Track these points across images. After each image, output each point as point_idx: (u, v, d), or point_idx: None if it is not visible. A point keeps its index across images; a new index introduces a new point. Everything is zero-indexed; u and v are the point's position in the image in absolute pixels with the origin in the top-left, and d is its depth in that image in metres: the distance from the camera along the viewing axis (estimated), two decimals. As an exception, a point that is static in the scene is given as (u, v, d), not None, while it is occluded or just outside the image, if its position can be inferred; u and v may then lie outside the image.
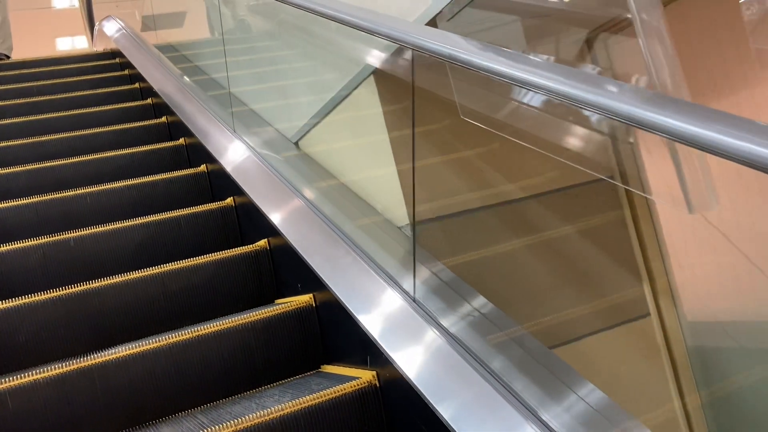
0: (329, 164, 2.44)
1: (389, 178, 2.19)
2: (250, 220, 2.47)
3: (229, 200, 2.63)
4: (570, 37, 2.23)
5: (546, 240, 2.20)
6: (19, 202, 2.69)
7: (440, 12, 1.85)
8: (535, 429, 1.26)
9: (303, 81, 2.76)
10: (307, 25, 2.48)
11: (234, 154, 2.72)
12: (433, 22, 1.87)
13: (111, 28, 5.57)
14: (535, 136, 1.53)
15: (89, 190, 2.79)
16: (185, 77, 3.72)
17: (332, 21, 1.84)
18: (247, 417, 1.56)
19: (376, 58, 2.03)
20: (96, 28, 6.17)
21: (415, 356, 1.55)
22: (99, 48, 5.93)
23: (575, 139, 1.36)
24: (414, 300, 1.66)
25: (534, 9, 2.16)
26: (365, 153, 2.48)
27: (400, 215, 2.05)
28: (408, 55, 1.59)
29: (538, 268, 2.19)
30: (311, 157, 2.55)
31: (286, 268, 2.16)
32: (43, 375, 1.70)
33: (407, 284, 1.69)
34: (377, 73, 2.14)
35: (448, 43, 1.39)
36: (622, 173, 1.75)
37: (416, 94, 1.61)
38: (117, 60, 5.14)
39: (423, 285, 1.68)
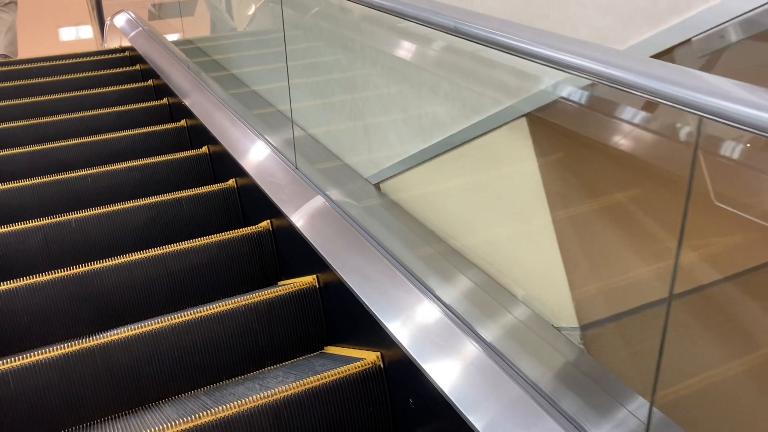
0: (431, 220, 1.87)
1: (541, 256, 1.57)
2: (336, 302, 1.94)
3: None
4: None
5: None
6: (21, 183, 2.67)
7: (686, 41, 1.15)
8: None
9: (398, 112, 1.96)
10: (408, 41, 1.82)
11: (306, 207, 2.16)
12: (663, 55, 1.20)
13: (122, 22, 5.01)
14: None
15: (91, 171, 2.78)
16: (244, 106, 3.01)
17: (516, 54, 1.17)
18: (251, 398, 1.55)
19: (536, 97, 1.39)
20: (107, 23, 5.70)
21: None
22: (111, 46, 5.35)
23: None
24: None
25: None
26: (496, 216, 1.70)
27: (554, 309, 1.52)
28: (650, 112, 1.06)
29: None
30: (402, 206, 1.98)
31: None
32: (45, 355, 1.69)
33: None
34: (533, 120, 1.45)
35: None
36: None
37: (613, 161, 1.17)
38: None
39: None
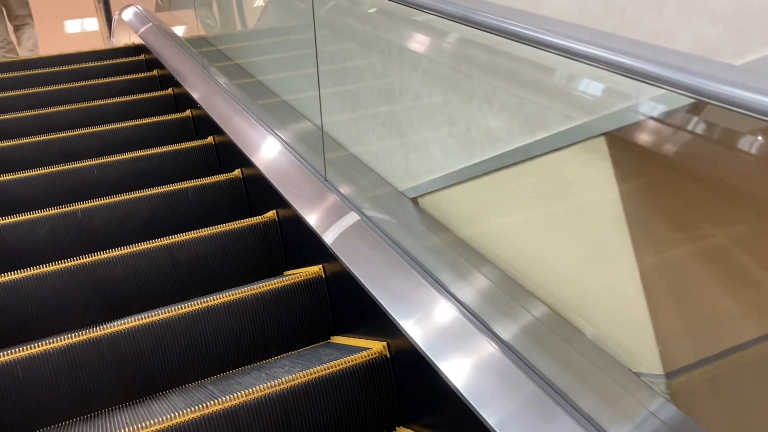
0: (481, 243, 1.68)
1: (618, 291, 1.37)
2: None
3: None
4: None
5: None
6: (27, 174, 2.67)
7: None
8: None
9: (441, 122, 1.73)
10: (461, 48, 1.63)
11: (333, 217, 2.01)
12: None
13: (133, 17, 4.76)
14: None
15: (96, 161, 2.78)
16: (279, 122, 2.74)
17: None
18: (257, 387, 1.56)
19: (618, 115, 1.20)
20: (115, 18, 5.48)
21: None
22: (119, 41, 5.18)
23: None
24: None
25: None
26: (560, 241, 1.47)
27: (632, 350, 1.32)
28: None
29: None
30: (446, 226, 1.79)
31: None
32: (52, 345, 1.70)
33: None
34: (614, 140, 1.25)
35: None
36: None
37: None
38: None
39: None
